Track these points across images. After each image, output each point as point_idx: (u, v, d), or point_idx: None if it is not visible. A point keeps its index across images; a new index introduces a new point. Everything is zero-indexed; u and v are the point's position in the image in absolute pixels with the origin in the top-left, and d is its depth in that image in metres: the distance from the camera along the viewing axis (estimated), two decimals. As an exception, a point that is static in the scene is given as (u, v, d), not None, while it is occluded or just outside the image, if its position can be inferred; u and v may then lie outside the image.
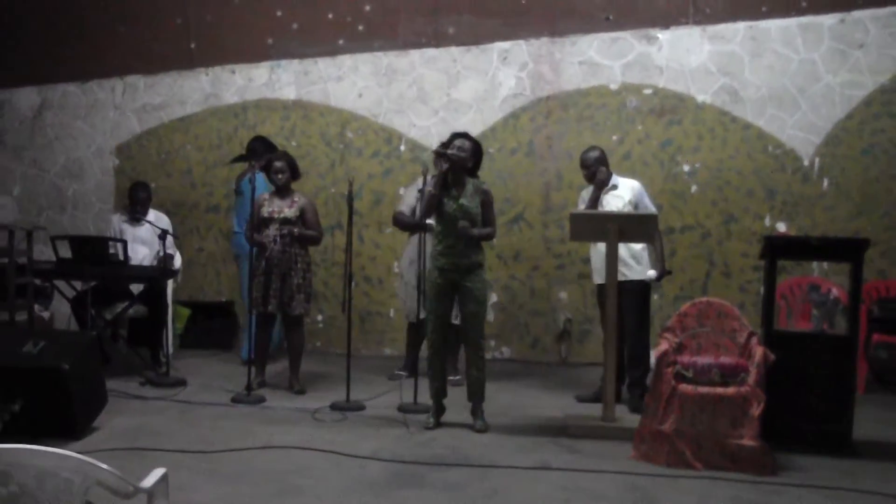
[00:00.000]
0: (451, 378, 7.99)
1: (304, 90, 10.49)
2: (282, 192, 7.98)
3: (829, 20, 9.03)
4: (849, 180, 9.01)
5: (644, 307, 7.70)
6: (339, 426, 6.82)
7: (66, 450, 2.55)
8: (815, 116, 9.05)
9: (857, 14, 8.95)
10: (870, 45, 8.93)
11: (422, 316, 7.69)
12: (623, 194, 7.63)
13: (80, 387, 6.19)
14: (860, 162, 8.98)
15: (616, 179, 7.72)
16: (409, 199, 8.33)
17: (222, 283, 10.69)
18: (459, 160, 6.67)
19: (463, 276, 6.72)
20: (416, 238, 7.88)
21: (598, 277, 7.60)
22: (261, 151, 9.15)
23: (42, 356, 6.15)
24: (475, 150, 6.84)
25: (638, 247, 7.62)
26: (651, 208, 7.68)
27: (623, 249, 7.45)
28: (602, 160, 7.70)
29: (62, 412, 6.11)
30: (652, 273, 7.57)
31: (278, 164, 7.98)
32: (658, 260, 7.65)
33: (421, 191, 7.54)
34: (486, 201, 6.81)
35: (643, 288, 7.65)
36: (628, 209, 7.48)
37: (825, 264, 8.96)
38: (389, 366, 9.07)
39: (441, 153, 6.64)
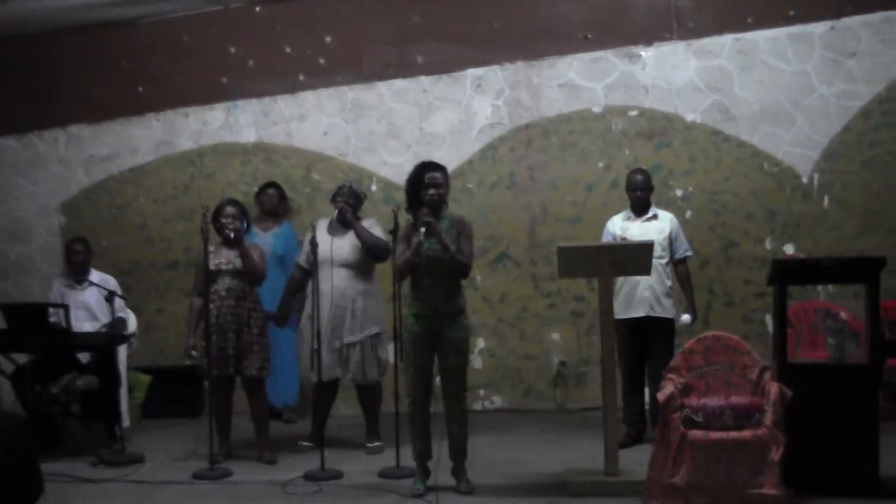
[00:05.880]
0: (368, 445, 7.70)
1: (265, 131, 10.03)
2: (230, 241, 7.43)
3: (818, 28, 8.91)
4: (851, 196, 8.86)
5: (672, 346, 7.53)
6: (314, 499, 6.29)
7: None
8: (812, 130, 8.89)
9: (847, 21, 8.86)
10: (862, 52, 8.84)
11: (325, 377, 7.44)
12: (663, 226, 7.62)
13: (6, 479, 5.41)
14: (861, 176, 8.84)
15: (654, 209, 7.70)
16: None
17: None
18: (441, 201, 6.27)
19: (442, 324, 6.20)
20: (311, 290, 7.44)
21: (623, 311, 7.44)
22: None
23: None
24: (446, 178, 6.38)
25: (668, 284, 7.61)
26: (686, 245, 7.77)
27: (659, 284, 7.51)
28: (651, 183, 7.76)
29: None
30: (686, 318, 7.59)
31: (230, 209, 7.45)
32: (690, 304, 7.69)
33: (392, 232, 6.99)
34: (463, 232, 6.31)
35: (671, 326, 7.60)
36: (666, 243, 7.55)
37: (830, 287, 8.73)
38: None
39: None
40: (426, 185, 6.19)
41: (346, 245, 7.53)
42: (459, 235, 6.27)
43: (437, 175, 6.25)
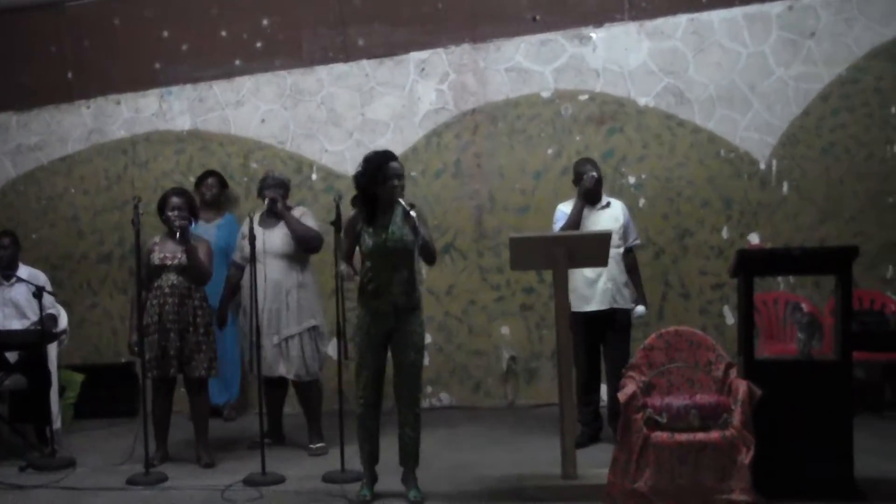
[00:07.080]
0: (311, 446, 7.45)
1: (200, 118, 9.72)
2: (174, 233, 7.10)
3: (776, 8, 8.73)
4: (810, 183, 8.69)
5: (629, 337, 7.40)
6: (255, 506, 6.05)
7: None
8: (769, 115, 8.74)
9: (806, 0, 8.61)
10: (822, 32, 8.66)
11: (267, 374, 7.27)
12: (617, 215, 7.37)
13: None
14: (821, 162, 8.67)
15: (606, 197, 7.45)
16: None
17: (120, 342, 9.61)
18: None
19: (400, 320, 5.92)
20: (248, 283, 7.18)
21: (583, 304, 7.17)
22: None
23: None
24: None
25: (625, 273, 7.38)
26: (636, 233, 7.60)
27: (619, 275, 7.25)
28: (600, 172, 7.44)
29: None
30: (641, 309, 7.41)
31: (176, 199, 7.08)
32: (641, 293, 7.48)
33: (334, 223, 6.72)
34: (421, 217, 6.01)
35: (629, 317, 7.37)
36: (622, 232, 7.28)
37: (791, 278, 8.58)
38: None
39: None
40: (390, 176, 5.88)
41: (277, 237, 7.34)
42: (418, 221, 6.00)
43: (398, 165, 5.97)
